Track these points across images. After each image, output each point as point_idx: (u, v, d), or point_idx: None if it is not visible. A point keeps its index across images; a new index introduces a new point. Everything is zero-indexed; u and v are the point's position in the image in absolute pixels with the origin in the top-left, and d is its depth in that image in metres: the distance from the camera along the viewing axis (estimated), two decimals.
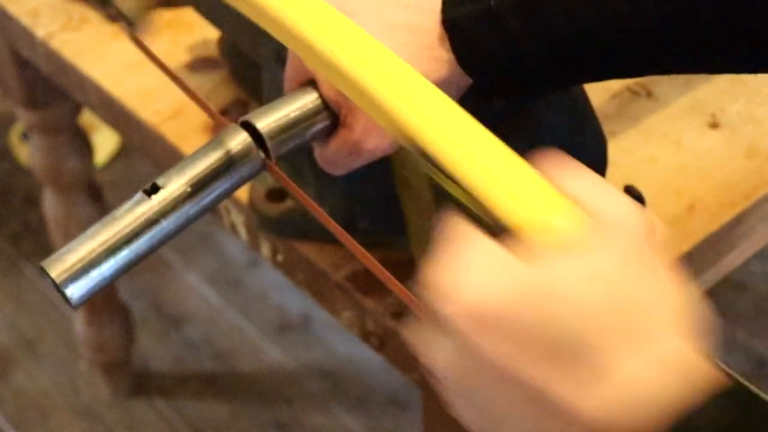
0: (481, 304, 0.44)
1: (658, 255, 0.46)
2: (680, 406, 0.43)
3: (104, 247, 0.59)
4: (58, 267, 0.58)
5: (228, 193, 0.63)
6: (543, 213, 0.45)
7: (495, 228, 0.45)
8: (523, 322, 0.43)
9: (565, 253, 0.44)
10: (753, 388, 0.44)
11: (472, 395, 0.47)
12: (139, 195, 0.60)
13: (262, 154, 0.63)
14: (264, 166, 0.64)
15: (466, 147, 0.47)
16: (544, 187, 0.46)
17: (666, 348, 0.44)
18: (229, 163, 0.62)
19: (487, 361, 0.44)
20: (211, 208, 0.63)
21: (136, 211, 0.60)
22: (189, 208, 0.61)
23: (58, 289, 0.58)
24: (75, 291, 0.58)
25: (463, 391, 0.47)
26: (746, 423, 0.43)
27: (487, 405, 0.46)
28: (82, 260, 0.58)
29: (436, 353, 0.47)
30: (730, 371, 0.44)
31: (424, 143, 0.48)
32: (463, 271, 0.45)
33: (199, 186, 0.61)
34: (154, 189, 0.60)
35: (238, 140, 0.63)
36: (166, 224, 0.60)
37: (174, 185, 0.61)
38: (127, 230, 0.59)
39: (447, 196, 0.48)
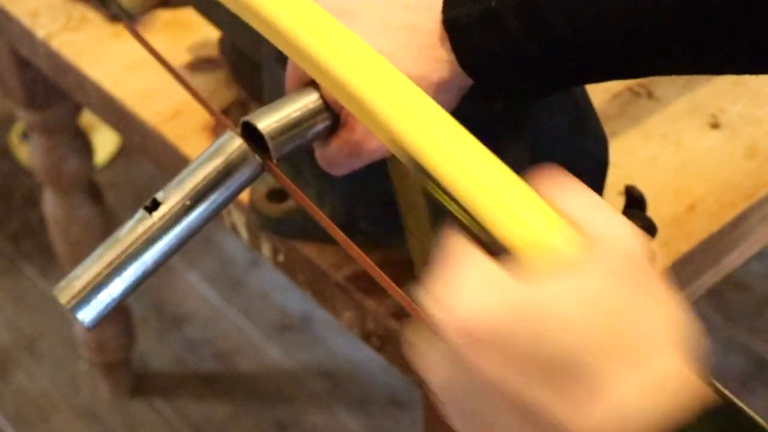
0: (475, 321, 0.45)
1: (654, 276, 0.46)
2: (671, 424, 0.43)
3: (110, 268, 0.60)
4: (67, 293, 0.59)
5: (228, 201, 0.63)
6: (538, 232, 0.46)
7: (493, 245, 0.46)
8: (516, 339, 0.44)
9: (558, 273, 0.45)
10: (741, 404, 0.45)
11: (465, 407, 0.47)
12: (141, 212, 0.61)
13: (259, 159, 0.63)
14: (262, 170, 0.64)
15: (462, 162, 0.48)
16: (540, 206, 0.46)
17: (660, 367, 0.44)
18: (226, 172, 0.62)
19: (481, 377, 0.45)
20: (213, 217, 0.63)
21: (138, 229, 0.61)
22: (191, 221, 0.62)
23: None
24: (86, 315, 0.59)
25: (456, 402, 0.48)
26: None
27: (480, 419, 0.47)
28: (90, 284, 0.59)
29: (431, 364, 0.48)
30: (722, 388, 0.45)
31: (421, 157, 0.49)
32: (459, 288, 0.46)
33: (198, 198, 0.62)
34: (155, 205, 0.61)
35: (234, 147, 0.63)
36: (169, 239, 0.61)
37: (174, 199, 0.61)
38: (131, 249, 0.60)
39: (444, 209, 0.49)
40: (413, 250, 0.55)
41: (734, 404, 0.44)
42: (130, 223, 0.61)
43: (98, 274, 0.60)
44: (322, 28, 0.57)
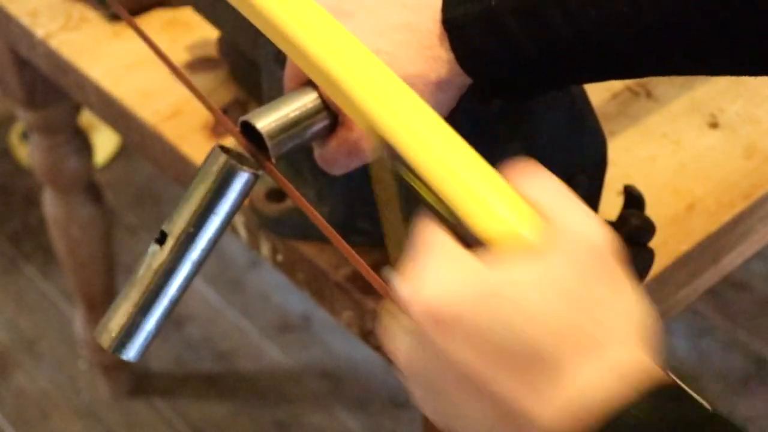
0: (439, 302, 0.46)
1: (618, 269, 0.48)
2: (625, 407, 0.44)
3: (138, 307, 0.62)
4: (106, 338, 0.63)
5: (231, 216, 0.64)
6: (506, 221, 0.48)
7: (466, 237, 0.48)
8: (478, 321, 0.46)
9: (521, 258, 0.46)
10: (693, 393, 0.46)
11: (430, 389, 0.49)
12: (153, 247, 0.63)
13: (250, 169, 0.63)
14: (256, 178, 0.64)
15: (436, 149, 0.50)
16: (510, 197, 0.48)
17: (620, 357, 0.45)
18: (218, 191, 0.63)
19: (443, 357, 0.46)
20: (222, 233, 0.64)
21: (153, 264, 0.62)
22: (199, 245, 0.63)
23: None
24: (129, 353, 0.63)
25: (422, 383, 0.49)
26: (679, 421, 0.45)
27: (445, 400, 0.48)
28: (124, 325, 0.62)
29: (398, 345, 0.49)
30: (676, 378, 0.46)
31: (397, 145, 0.51)
32: (426, 270, 0.47)
33: (200, 223, 0.63)
34: (163, 237, 0.62)
35: (221, 165, 0.63)
36: (184, 266, 0.63)
37: (177, 230, 0.62)
38: (153, 285, 0.62)
39: (419, 201, 0.51)
40: (390, 247, 0.57)
41: (686, 392, 0.46)
42: (146, 259, 0.63)
43: (129, 315, 0.62)
44: (319, 26, 0.58)
